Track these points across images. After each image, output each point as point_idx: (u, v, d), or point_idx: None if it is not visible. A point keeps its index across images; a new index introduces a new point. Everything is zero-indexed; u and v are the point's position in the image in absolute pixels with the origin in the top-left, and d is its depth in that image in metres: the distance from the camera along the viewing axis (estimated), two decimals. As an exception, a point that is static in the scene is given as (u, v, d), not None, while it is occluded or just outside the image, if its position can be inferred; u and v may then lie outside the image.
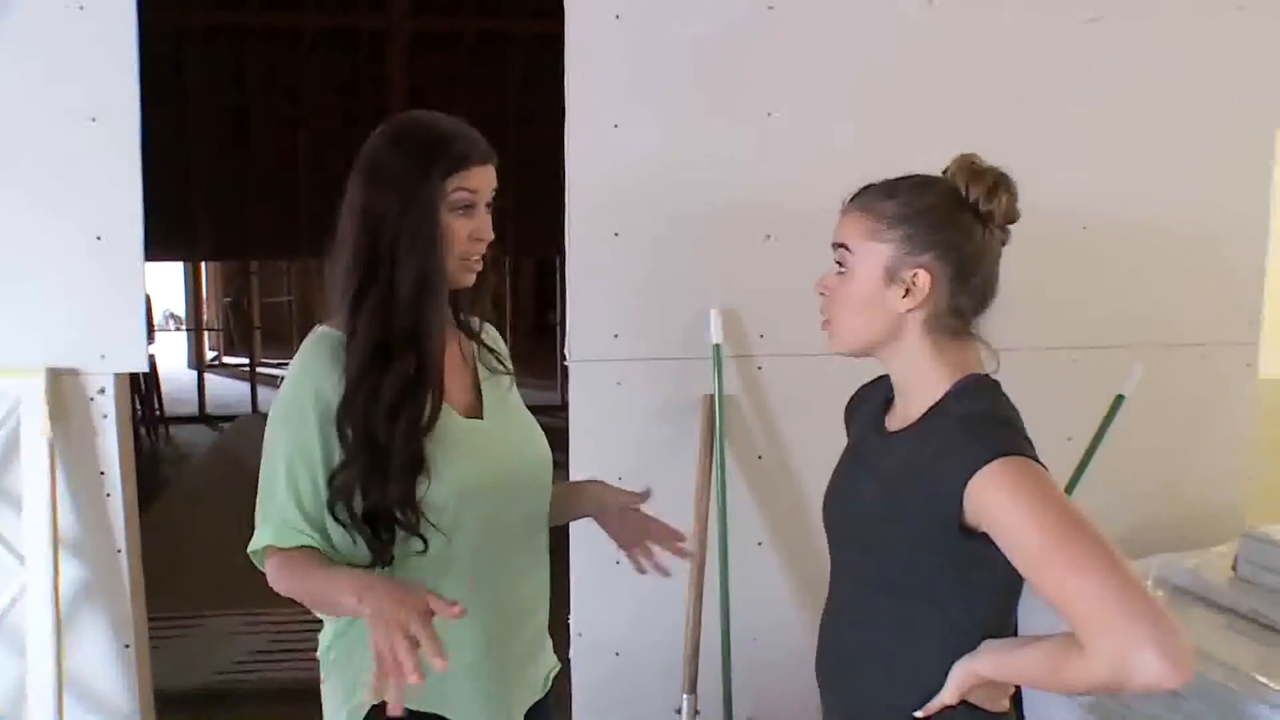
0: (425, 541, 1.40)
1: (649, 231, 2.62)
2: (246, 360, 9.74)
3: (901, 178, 1.35)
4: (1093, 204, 2.86)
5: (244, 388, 9.55)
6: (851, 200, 1.36)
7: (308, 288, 12.74)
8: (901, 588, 1.30)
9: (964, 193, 1.30)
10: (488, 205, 1.46)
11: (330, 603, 1.35)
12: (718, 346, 2.62)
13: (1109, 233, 2.89)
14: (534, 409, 1.67)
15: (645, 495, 1.62)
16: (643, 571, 1.66)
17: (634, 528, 1.64)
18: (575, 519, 1.74)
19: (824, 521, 1.46)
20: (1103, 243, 2.89)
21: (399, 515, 1.38)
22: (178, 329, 13.70)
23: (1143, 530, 2.96)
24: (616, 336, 2.63)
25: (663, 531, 1.64)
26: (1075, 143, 2.82)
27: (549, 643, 1.66)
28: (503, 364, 1.63)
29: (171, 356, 11.60)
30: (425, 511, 1.39)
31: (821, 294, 1.38)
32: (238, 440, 8.21)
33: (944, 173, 1.34)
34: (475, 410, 1.54)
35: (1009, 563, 1.18)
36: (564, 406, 2.73)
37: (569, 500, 1.66)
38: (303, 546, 1.39)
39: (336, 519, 1.39)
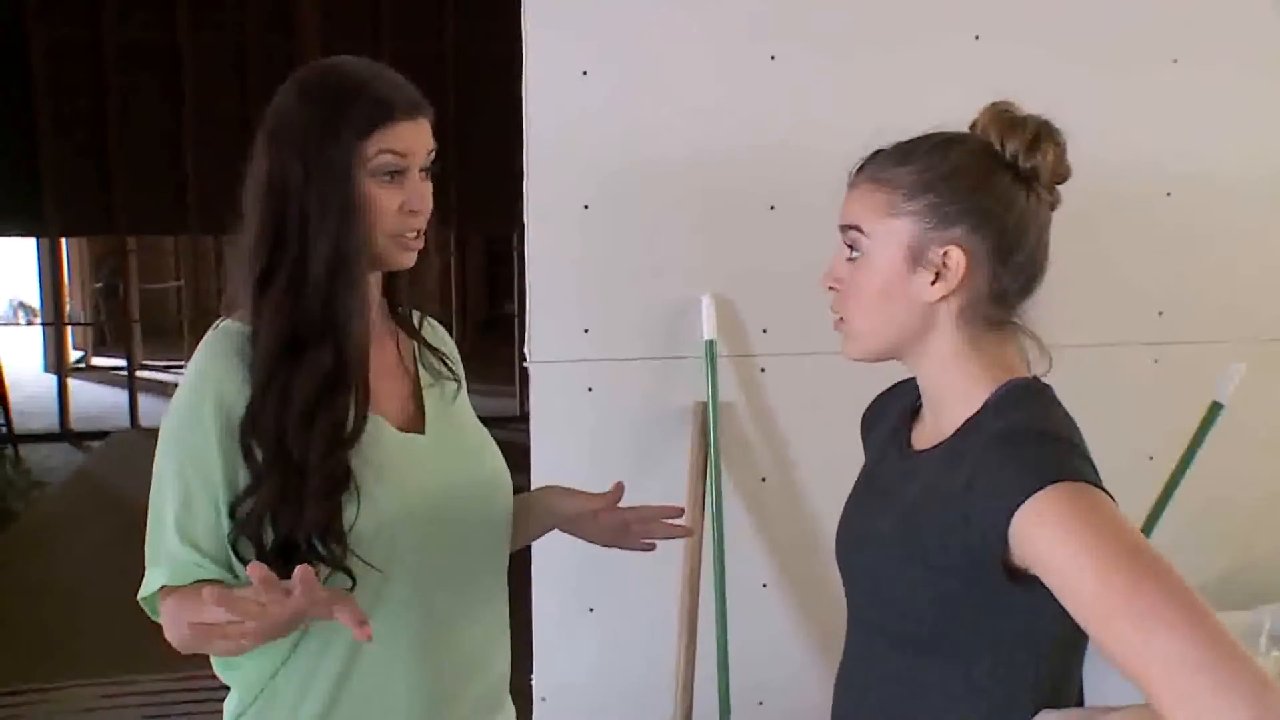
0: (353, 578, 1.43)
1: (626, 203, 2.67)
2: (123, 361, 9.70)
3: (917, 138, 1.36)
4: (1179, 163, 2.92)
5: (120, 396, 9.52)
6: (859, 171, 1.38)
7: (200, 271, 12.75)
8: (911, 638, 1.33)
9: (998, 148, 1.31)
10: (424, 171, 1.49)
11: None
12: (711, 343, 2.67)
13: (1200, 199, 2.95)
14: (487, 421, 1.71)
15: (616, 494, 1.64)
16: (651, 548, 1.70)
17: (611, 527, 1.68)
18: (537, 536, 1.79)
19: (837, 559, 1.49)
20: (1192, 212, 2.95)
21: (319, 547, 1.40)
22: (30, 323, 13.66)
23: (1241, 573, 3.02)
24: (587, 332, 2.68)
25: (648, 515, 1.67)
26: (1156, 87, 2.88)
27: (509, 704, 1.71)
28: (449, 369, 1.67)
29: (22, 357, 11.56)
30: (353, 544, 1.42)
31: (832, 288, 1.39)
32: (110, 463, 8.22)
33: (971, 127, 1.36)
34: (415, 423, 1.58)
35: (1065, 613, 1.17)
36: (524, 417, 2.77)
37: (522, 516, 1.70)
38: (202, 581, 1.41)
39: (240, 558, 1.41)
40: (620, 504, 1.65)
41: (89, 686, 4.00)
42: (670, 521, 1.69)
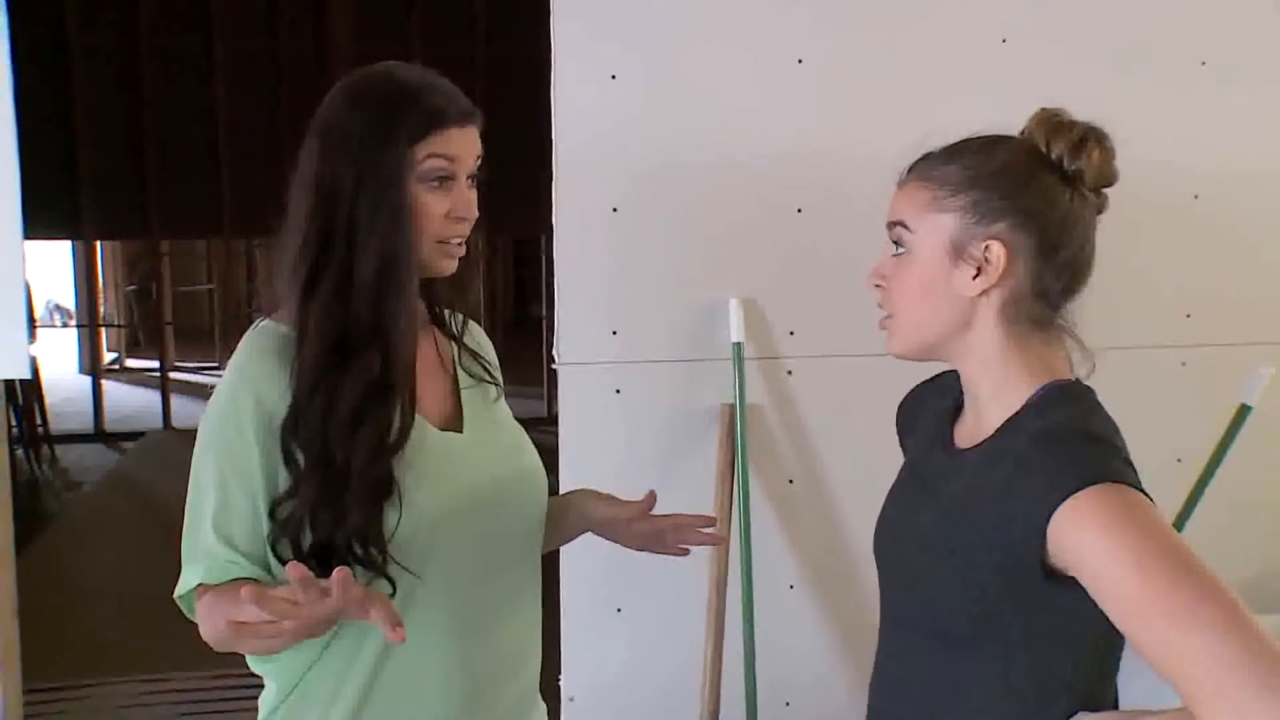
0: (394, 584, 1.43)
1: (654, 206, 2.67)
2: (156, 363, 9.76)
3: (966, 139, 1.37)
4: (1206, 166, 2.91)
5: (153, 397, 9.57)
6: (907, 172, 1.39)
7: (232, 274, 12.82)
8: (948, 634, 1.33)
9: (1045, 149, 1.32)
10: (470, 178, 1.49)
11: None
12: (738, 345, 2.67)
13: (1227, 202, 2.94)
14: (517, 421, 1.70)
15: (649, 502, 1.63)
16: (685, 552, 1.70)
17: (644, 533, 1.67)
18: (569, 539, 1.78)
19: (875, 553, 1.50)
20: (1219, 215, 2.94)
21: (358, 551, 1.40)
22: (65, 325, 13.75)
23: (1269, 575, 3.00)
24: (615, 334, 2.68)
25: (682, 523, 1.67)
26: (1184, 89, 2.87)
27: (541, 704, 1.71)
28: (489, 374, 1.67)
29: (58, 359, 11.65)
30: (391, 548, 1.42)
31: (878, 286, 1.40)
32: (144, 463, 8.27)
33: (1021, 133, 1.37)
34: (453, 421, 1.58)
35: (1102, 614, 1.17)
36: (552, 419, 2.77)
37: (555, 518, 1.70)
38: (238, 579, 1.41)
39: (279, 559, 1.42)
40: (653, 511, 1.64)
41: (126, 684, 4.03)
42: (703, 530, 1.68)
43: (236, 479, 1.42)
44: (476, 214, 1.50)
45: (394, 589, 1.42)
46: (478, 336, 1.71)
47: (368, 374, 1.42)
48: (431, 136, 1.43)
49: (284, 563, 1.39)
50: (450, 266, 1.51)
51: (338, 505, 1.39)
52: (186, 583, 1.44)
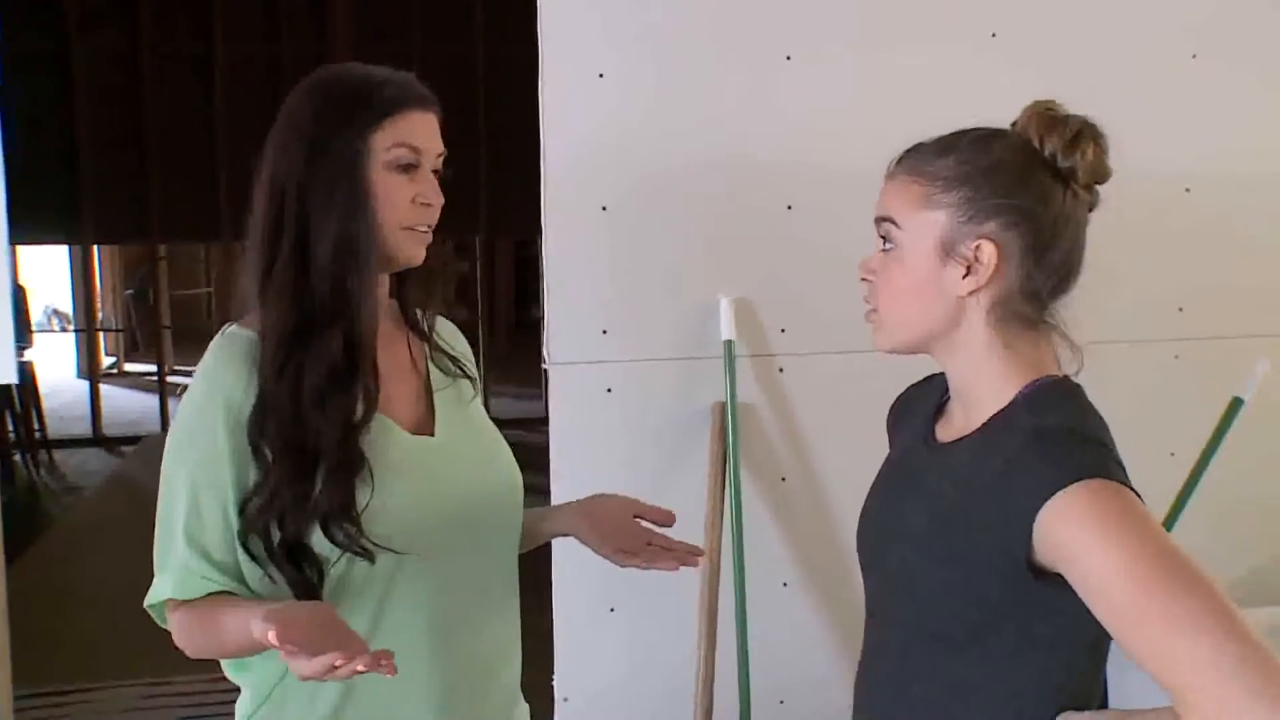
0: (373, 560, 1.40)
1: (643, 205, 2.66)
2: (154, 367, 9.75)
3: (959, 132, 1.35)
4: (1198, 159, 2.90)
5: (151, 401, 9.58)
6: (897, 164, 1.36)
7: (230, 278, 12.81)
8: (947, 637, 1.32)
9: (1038, 146, 1.30)
10: (435, 172, 1.49)
11: (244, 633, 1.30)
12: (729, 344, 2.67)
13: (1218, 196, 2.93)
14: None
15: (665, 518, 1.65)
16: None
17: (630, 534, 1.67)
18: (549, 539, 1.78)
19: (858, 552, 1.48)
20: (1211, 208, 2.93)
21: (334, 532, 1.39)
22: (64, 329, 13.75)
23: (1262, 569, 3.00)
24: (605, 333, 2.67)
25: (673, 547, 1.68)
26: (1175, 83, 2.86)
27: (522, 703, 1.70)
28: (461, 368, 1.65)
29: (56, 364, 11.64)
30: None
31: (866, 279, 1.39)
32: (143, 467, 8.24)
33: (1013, 125, 1.35)
34: (425, 425, 1.56)
35: (1091, 614, 1.17)
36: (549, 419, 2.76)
37: (528, 534, 1.69)
38: (212, 594, 1.41)
39: (250, 554, 1.41)
40: (644, 519, 1.66)
41: (130, 687, 4.05)
42: (685, 556, 1.68)
43: (208, 486, 1.41)
44: (443, 199, 1.49)
45: (372, 562, 1.41)
46: (449, 331, 1.69)
47: (330, 352, 1.41)
48: (393, 120, 1.43)
49: (254, 557, 1.40)
50: (420, 255, 1.50)
51: (309, 484, 1.38)
52: (158, 593, 1.43)
